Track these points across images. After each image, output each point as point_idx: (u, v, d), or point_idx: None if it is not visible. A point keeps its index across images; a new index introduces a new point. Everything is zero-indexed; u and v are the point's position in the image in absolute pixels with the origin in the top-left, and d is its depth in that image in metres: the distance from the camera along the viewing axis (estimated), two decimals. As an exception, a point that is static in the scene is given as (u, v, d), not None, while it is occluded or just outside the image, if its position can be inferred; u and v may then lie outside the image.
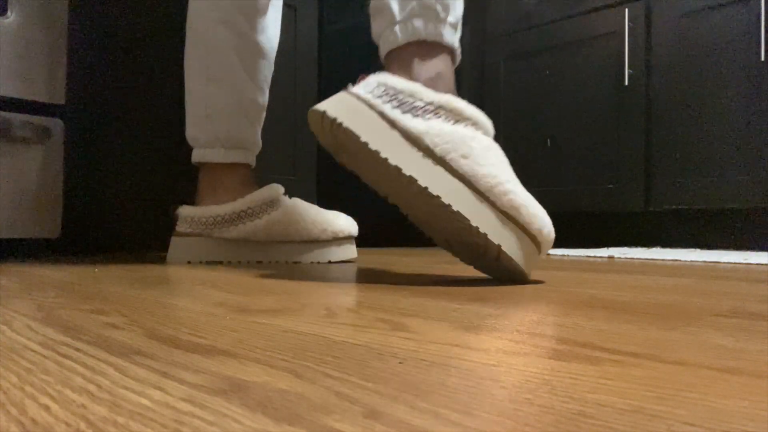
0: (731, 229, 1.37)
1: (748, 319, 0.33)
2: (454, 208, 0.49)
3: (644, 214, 1.48)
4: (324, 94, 1.27)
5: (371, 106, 0.52)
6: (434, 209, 0.50)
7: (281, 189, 0.83)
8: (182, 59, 0.86)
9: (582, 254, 1.09)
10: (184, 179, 0.92)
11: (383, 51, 0.61)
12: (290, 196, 0.85)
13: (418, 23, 0.58)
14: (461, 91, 0.57)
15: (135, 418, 0.16)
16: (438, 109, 0.52)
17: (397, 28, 0.58)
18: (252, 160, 0.86)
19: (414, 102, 0.52)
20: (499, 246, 0.49)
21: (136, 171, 1.06)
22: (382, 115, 0.52)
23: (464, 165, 0.50)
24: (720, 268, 0.76)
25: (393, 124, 0.51)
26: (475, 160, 0.50)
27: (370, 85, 0.54)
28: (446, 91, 0.56)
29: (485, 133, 0.54)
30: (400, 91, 0.53)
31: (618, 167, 1.46)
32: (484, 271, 0.56)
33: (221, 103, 0.82)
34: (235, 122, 0.83)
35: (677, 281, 0.57)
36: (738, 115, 1.29)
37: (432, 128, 0.51)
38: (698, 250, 1.22)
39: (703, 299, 0.42)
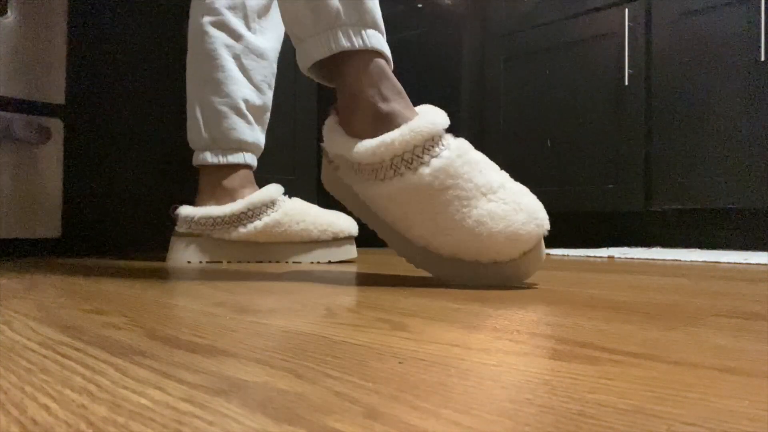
0: (731, 229, 1.36)
1: (748, 319, 0.33)
2: (401, 257, 0.54)
3: (644, 214, 1.48)
4: (324, 93, 1.27)
5: (340, 177, 0.55)
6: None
7: (281, 189, 0.83)
8: (182, 59, 0.86)
9: (582, 254, 1.09)
10: (184, 179, 0.93)
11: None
12: (290, 196, 0.85)
13: (300, 55, 0.55)
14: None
15: (135, 418, 0.16)
16: (361, 168, 0.51)
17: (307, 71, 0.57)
18: (252, 161, 0.86)
19: (350, 165, 0.53)
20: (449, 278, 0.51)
21: (136, 171, 1.06)
22: (350, 186, 0.55)
23: (399, 229, 0.52)
24: (720, 268, 0.76)
25: (355, 195, 0.55)
26: (400, 227, 0.51)
27: (331, 151, 0.55)
28: (372, 99, 0.52)
29: (404, 146, 0.48)
30: (338, 156, 0.54)
31: (618, 167, 1.46)
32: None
33: (217, 106, 0.82)
34: (233, 124, 0.83)
35: (677, 281, 0.57)
36: (738, 115, 1.29)
37: (367, 197, 0.53)
38: (698, 250, 1.22)
39: (703, 299, 0.42)
